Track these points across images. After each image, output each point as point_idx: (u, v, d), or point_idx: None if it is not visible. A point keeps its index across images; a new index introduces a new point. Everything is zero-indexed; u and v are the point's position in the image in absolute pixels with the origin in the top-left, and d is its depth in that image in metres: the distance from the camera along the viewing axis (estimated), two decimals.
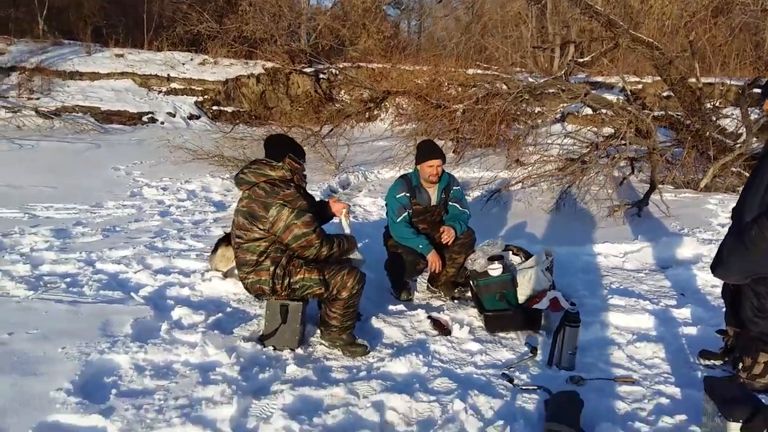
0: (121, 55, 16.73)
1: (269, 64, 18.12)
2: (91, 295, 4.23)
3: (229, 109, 17.21)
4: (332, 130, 13.13)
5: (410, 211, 4.37)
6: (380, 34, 21.45)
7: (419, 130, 12.77)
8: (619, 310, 4.34)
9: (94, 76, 15.63)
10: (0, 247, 5.21)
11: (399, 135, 14.51)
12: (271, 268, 3.56)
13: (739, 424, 2.39)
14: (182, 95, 16.64)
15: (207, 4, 18.18)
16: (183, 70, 17.06)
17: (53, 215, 6.44)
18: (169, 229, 6.11)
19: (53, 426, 2.71)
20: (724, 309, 3.78)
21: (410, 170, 4.65)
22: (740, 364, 3.23)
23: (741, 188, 8.16)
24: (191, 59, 17.70)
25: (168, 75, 16.66)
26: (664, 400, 3.16)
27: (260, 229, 3.55)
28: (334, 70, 18.61)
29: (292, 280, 3.55)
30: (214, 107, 17.03)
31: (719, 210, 7.59)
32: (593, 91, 10.46)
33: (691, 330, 4.07)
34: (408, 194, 4.36)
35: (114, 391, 3.03)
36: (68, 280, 4.48)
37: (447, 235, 4.30)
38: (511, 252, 4.44)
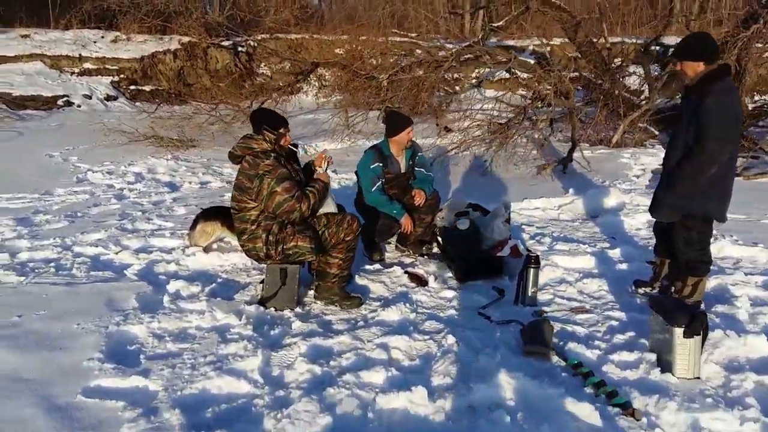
0: (27, 36, 15.87)
1: (185, 39, 17.65)
2: (82, 276, 4.40)
3: (148, 88, 16.76)
4: (262, 104, 13.19)
5: (383, 179, 4.79)
6: (294, 3, 21.33)
7: (346, 102, 13.00)
8: (564, 254, 5.00)
9: (1, 59, 14.79)
10: None
11: (325, 107, 14.78)
12: (263, 236, 3.90)
13: (682, 329, 3.04)
14: (97, 75, 16.06)
15: None
16: (95, 49, 16.41)
17: (7, 205, 6.37)
18: (132, 212, 6.23)
19: (98, 390, 2.97)
20: (651, 246, 4.50)
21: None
22: (672, 288, 3.94)
23: (648, 142, 9.17)
24: (102, 37, 17.01)
25: (80, 55, 16.00)
26: (614, 323, 3.81)
27: (249, 199, 3.88)
28: (252, 43, 18.41)
29: (285, 247, 3.91)
30: (132, 87, 16.55)
31: (632, 163, 8.52)
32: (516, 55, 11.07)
33: (625, 266, 4.79)
34: (381, 164, 4.76)
35: (142, 356, 3.30)
36: (53, 264, 4.60)
37: (419, 198, 4.77)
38: (472, 208, 4.99)
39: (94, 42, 16.61)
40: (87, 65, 15.99)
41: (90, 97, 15.19)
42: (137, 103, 15.55)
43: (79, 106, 14.71)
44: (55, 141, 10.53)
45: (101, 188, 7.32)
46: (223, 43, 18.19)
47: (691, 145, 3.56)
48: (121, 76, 16.38)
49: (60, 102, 14.58)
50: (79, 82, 15.42)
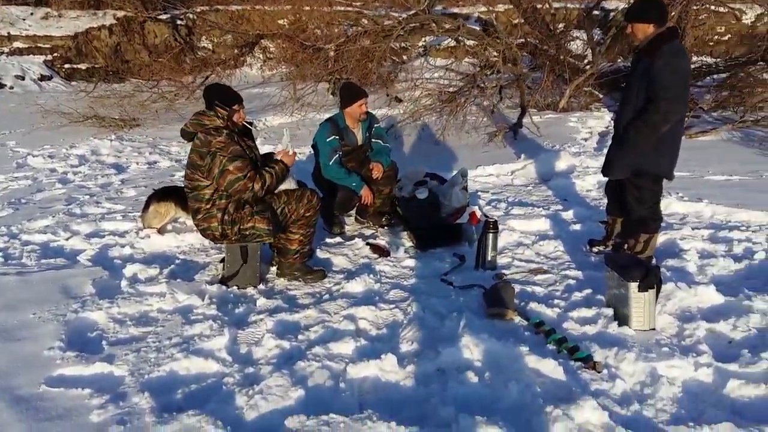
0: None
1: (120, 13, 16.94)
2: (33, 264, 4.25)
3: (83, 66, 16.02)
4: (206, 79, 12.85)
5: (340, 152, 4.75)
6: None
7: (293, 74, 12.78)
8: (519, 218, 5.12)
9: None
10: None
11: (271, 80, 14.50)
12: (219, 215, 3.83)
13: (637, 283, 3.17)
14: (28, 55, 15.21)
15: None
16: (25, 27, 15.54)
17: None
18: (79, 196, 6.01)
19: (62, 378, 2.91)
20: (602, 207, 4.65)
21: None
22: (625, 245, 4.09)
23: (593, 106, 9.38)
24: (31, 13, 16.12)
25: (8, 33, 15.12)
26: (571, 281, 3.95)
27: (201, 177, 3.79)
28: (191, 16, 17.82)
29: (242, 227, 3.85)
30: (66, 65, 15.76)
31: (580, 126, 8.72)
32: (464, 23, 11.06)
33: (578, 227, 4.94)
34: (337, 137, 4.72)
35: (104, 342, 3.24)
36: (1, 254, 4.42)
37: (377, 171, 4.77)
38: (430, 178, 5.02)
39: (23, 19, 15.73)
40: (17, 44, 15.14)
41: (23, 78, 14.43)
42: (73, 83, 14.87)
43: (11, 87, 13.95)
44: None
45: (43, 173, 7.02)
46: (161, 17, 17.53)
47: (642, 106, 3.68)
48: (55, 54, 15.59)
49: None
50: (9, 62, 14.60)
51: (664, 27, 3.70)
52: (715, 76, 10.21)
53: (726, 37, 16.65)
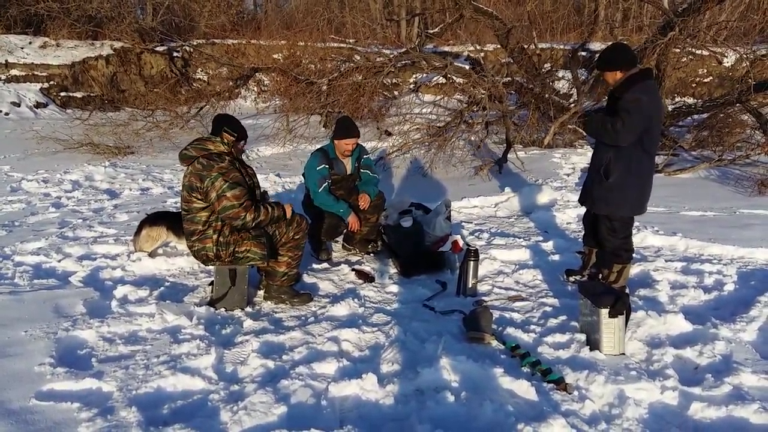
0: None
1: (118, 44, 17.27)
2: (26, 284, 4.34)
3: (79, 95, 16.27)
4: (201, 110, 13.07)
5: (329, 180, 4.93)
6: (230, 8, 21.15)
7: (287, 107, 13.02)
8: (501, 248, 5.28)
9: None
10: None
11: (265, 112, 14.75)
12: (214, 236, 3.96)
13: (607, 309, 3.32)
14: (25, 82, 15.44)
15: None
16: (23, 55, 15.80)
17: None
18: (72, 219, 6.13)
19: (51, 393, 2.99)
20: (580, 239, 4.83)
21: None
22: (600, 275, 4.25)
23: (577, 143, 9.65)
24: (30, 42, 16.39)
25: (6, 61, 15.37)
26: (548, 308, 4.09)
27: (198, 200, 3.92)
28: (187, 48, 18.18)
29: (237, 249, 3.98)
30: (62, 93, 16.00)
31: (563, 162, 8.98)
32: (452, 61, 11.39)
33: (557, 257, 5.11)
34: (326, 166, 4.90)
35: (94, 359, 3.33)
36: None
37: (363, 202, 4.94)
38: (415, 207, 5.20)
39: (22, 48, 15.99)
40: (14, 72, 15.38)
41: (18, 105, 14.62)
42: (68, 110, 15.09)
43: (6, 114, 14.12)
44: None
45: (37, 197, 7.14)
46: (158, 49, 17.90)
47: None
48: (51, 82, 15.83)
49: None
50: (6, 89, 14.80)
51: (634, 69, 3.93)
52: (695, 117, 10.55)
53: (707, 79, 17.20)
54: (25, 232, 5.68)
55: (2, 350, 3.35)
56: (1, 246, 5.16)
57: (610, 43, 12.33)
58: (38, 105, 15.08)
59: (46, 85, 15.69)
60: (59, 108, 15.43)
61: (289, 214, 4.18)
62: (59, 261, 4.85)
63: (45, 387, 3.03)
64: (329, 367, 3.25)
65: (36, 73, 15.68)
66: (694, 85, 17.05)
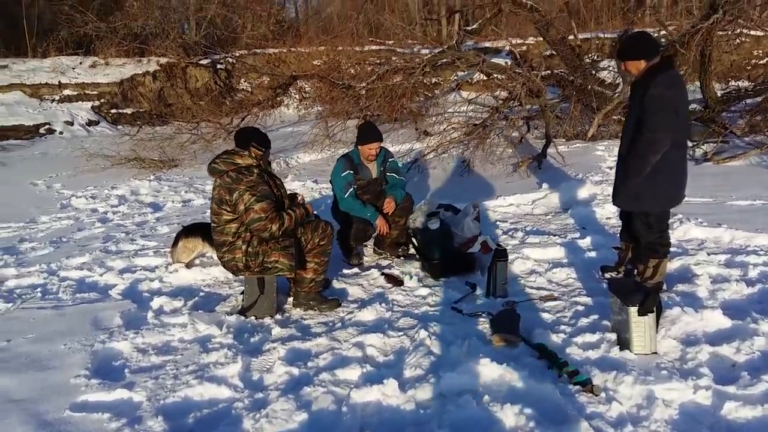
0: (5, 66, 15.93)
1: (164, 60, 17.82)
2: (68, 299, 4.53)
3: (129, 111, 16.88)
4: (243, 120, 13.32)
5: (355, 186, 4.94)
6: (270, 18, 21.51)
7: (326, 113, 13.13)
8: (535, 246, 5.17)
9: None
10: None
11: (306, 119, 14.94)
12: (243, 247, 4.02)
13: (636, 307, 3.21)
14: (77, 101, 16.13)
15: (90, 3, 17.52)
16: (74, 75, 16.50)
17: None
18: (116, 234, 6.36)
19: (85, 404, 3.11)
20: (618, 233, 4.67)
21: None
22: (635, 271, 4.11)
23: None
24: (81, 63, 17.10)
25: (59, 82, 16.09)
26: (580, 308, 3.97)
27: (227, 212, 4.00)
28: (230, 59, 18.57)
29: (265, 260, 4.04)
30: (113, 110, 16.64)
31: (606, 155, 8.72)
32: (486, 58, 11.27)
33: (594, 254, 4.96)
34: (351, 171, 4.92)
35: (127, 370, 3.45)
36: (39, 290, 4.73)
37: (388, 206, 4.93)
38: (443, 209, 5.15)
39: (73, 68, 16.70)
40: (67, 92, 16.08)
41: (72, 124, 15.28)
42: (119, 127, 15.66)
43: (61, 133, 14.79)
44: (39, 169, 10.64)
45: (85, 213, 7.45)
46: (202, 62, 18.36)
47: (632, 136, 3.76)
48: (102, 100, 16.48)
49: (42, 130, 14.65)
50: (59, 109, 15.50)
51: (657, 58, 3.78)
52: (748, 101, 10.07)
53: (763, 61, 16.40)
54: (71, 247, 5.93)
55: (43, 363, 3.50)
56: (48, 262, 5.40)
57: (657, 29, 11.94)
58: (90, 123, 15.71)
59: (97, 103, 16.34)
60: (110, 125, 16.04)
61: (309, 212, 4.25)
62: (101, 275, 5.04)
63: (79, 398, 3.15)
64: (353, 373, 3.25)
65: (87, 92, 16.34)
66: (749, 67, 16.28)
